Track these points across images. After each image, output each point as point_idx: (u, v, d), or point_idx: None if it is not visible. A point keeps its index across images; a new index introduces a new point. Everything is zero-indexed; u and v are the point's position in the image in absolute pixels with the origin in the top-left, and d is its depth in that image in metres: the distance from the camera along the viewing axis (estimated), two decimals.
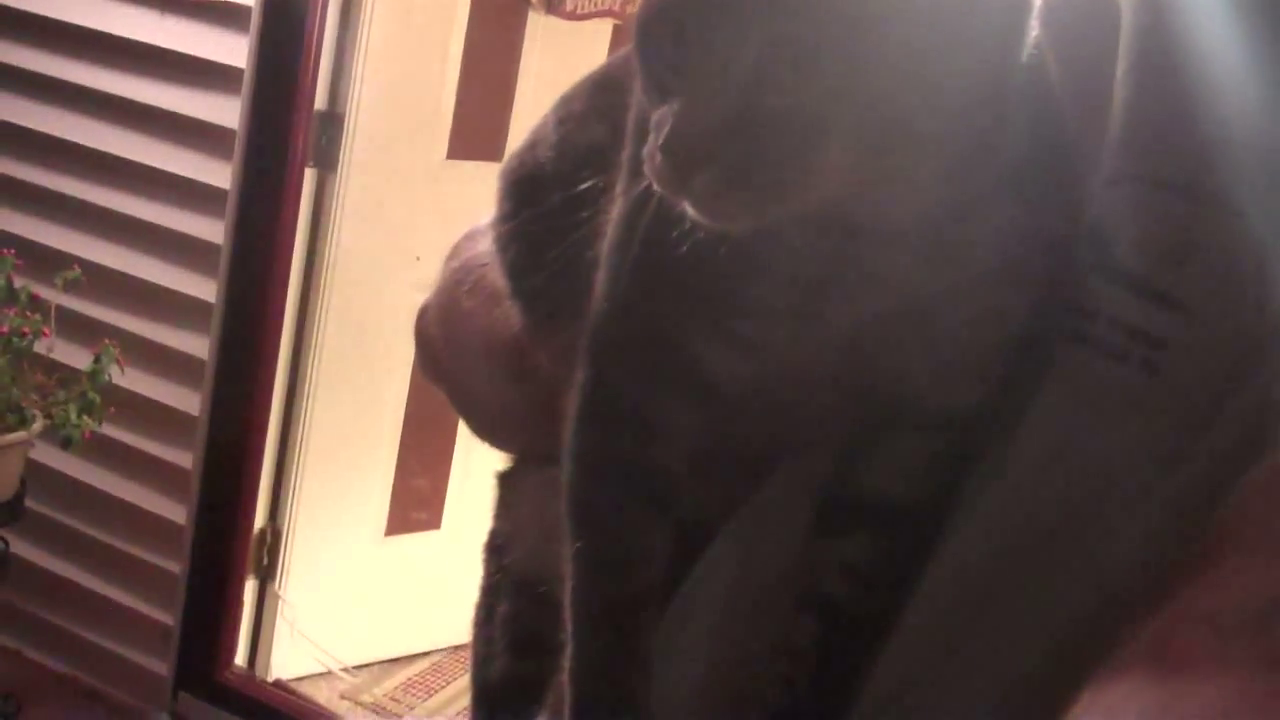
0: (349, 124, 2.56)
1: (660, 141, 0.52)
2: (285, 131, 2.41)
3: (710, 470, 0.67)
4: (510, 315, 0.78)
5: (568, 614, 0.64)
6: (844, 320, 0.59)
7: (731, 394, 0.62)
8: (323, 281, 2.64)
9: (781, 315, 0.59)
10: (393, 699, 2.92)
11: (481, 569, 0.83)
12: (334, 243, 2.63)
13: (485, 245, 0.82)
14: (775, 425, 0.67)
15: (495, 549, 0.82)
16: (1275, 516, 0.49)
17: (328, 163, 2.59)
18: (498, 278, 0.79)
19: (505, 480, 0.85)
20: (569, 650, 0.64)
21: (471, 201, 0.85)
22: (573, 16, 2.75)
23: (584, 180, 0.66)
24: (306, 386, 2.68)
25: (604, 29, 2.80)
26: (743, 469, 0.68)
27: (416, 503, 2.98)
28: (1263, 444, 0.51)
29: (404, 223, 2.66)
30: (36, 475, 2.39)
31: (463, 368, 0.84)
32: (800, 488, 0.66)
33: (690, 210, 0.53)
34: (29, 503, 2.35)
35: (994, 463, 0.60)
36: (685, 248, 0.54)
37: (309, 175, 2.56)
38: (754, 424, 0.66)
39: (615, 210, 0.64)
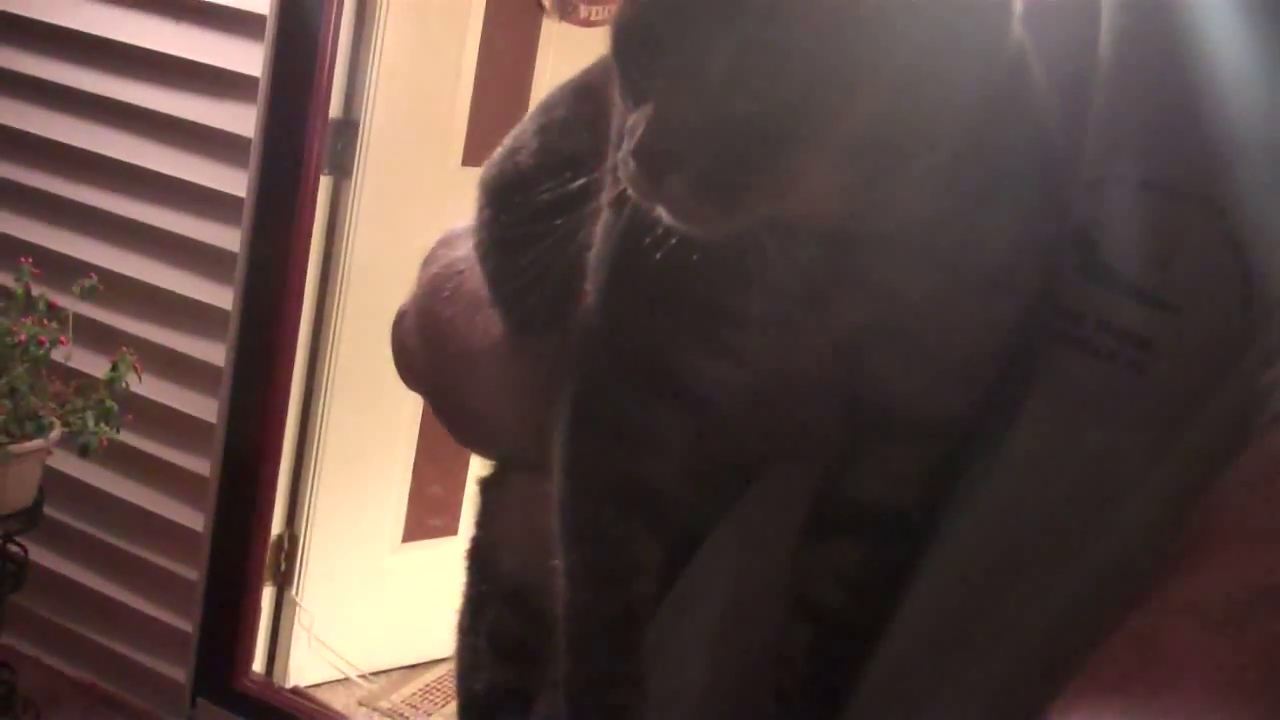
0: (364, 131, 2.57)
1: (633, 146, 0.52)
2: (300, 139, 2.41)
3: (702, 480, 0.67)
4: (491, 322, 0.77)
5: (562, 628, 0.64)
6: (833, 328, 0.59)
7: (721, 404, 0.62)
8: (338, 288, 2.64)
9: (769, 324, 0.59)
10: (410, 705, 2.92)
11: (464, 577, 0.82)
12: (349, 249, 2.63)
13: (462, 251, 0.81)
14: (765, 435, 0.66)
15: (479, 558, 0.82)
16: (1259, 505, 0.49)
17: (343, 170, 2.60)
18: (478, 284, 0.78)
19: (488, 488, 0.84)
20: (563, 663, 0.64)
21: None
22: (586, 23, 2.75)
23: (565, 187, 0.66)
24: (323, 393, 2.69)
25: None
26: (734, 479, 0.68)
27: (433, 509, 2.98)
28: (1246, 434, 0.51)
29: (419, 229, 2.61)
30: (54, 483, 2.40)
31: (443, 375, 0.84)
32: (792, 495, 0.65)
33: (665, 216, 0.53)
34: (47, 510, 2.36)
35: (987, 464, 0.59)
36: (664, 255, 0.54)
37: (324, 182, 2.56)
38: (744, 434, 0.66)
39: (600, 220, 0.63)
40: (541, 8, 2.80)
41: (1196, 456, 0.53)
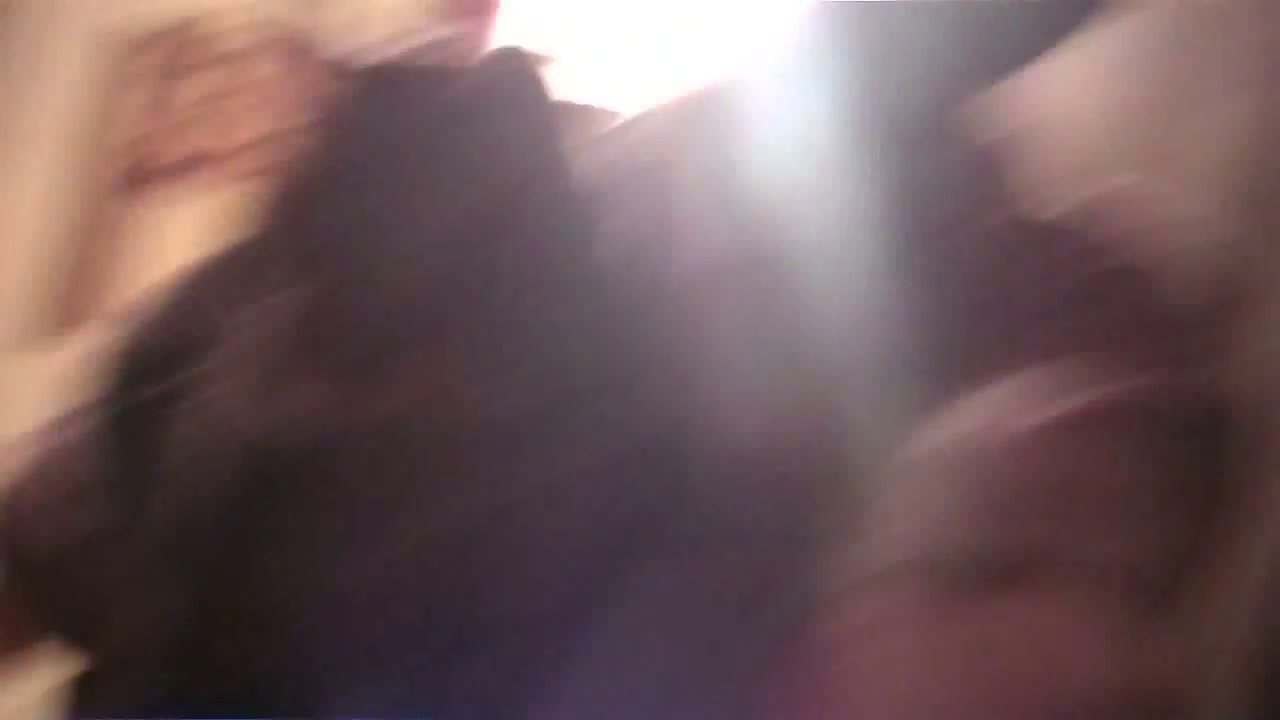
0: None
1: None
2: None
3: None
4: (95, 512, 0.66)
5: None
6: (421, 529, 0.55)
7: (314, 612, 0.56)
8: None
9: (360, 529, 0.55)
10: None
11: None
12: None
13: (70, 433, 0.69)
14: (349, 645, 0.58)
15: None
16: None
17: None
18: (81, 469, 0.68)
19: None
20: None
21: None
22: (167, 202, 1.84)
23: (182, 374, 0.60)
24: None
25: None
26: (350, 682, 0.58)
27: None
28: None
29: None
30: None
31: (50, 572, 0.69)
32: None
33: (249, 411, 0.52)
34: None
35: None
36: (241, 471, 0.53)
37: None
38: (333, 644, 0.57)
39: (201, 414, 0.58)
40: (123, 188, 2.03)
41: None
